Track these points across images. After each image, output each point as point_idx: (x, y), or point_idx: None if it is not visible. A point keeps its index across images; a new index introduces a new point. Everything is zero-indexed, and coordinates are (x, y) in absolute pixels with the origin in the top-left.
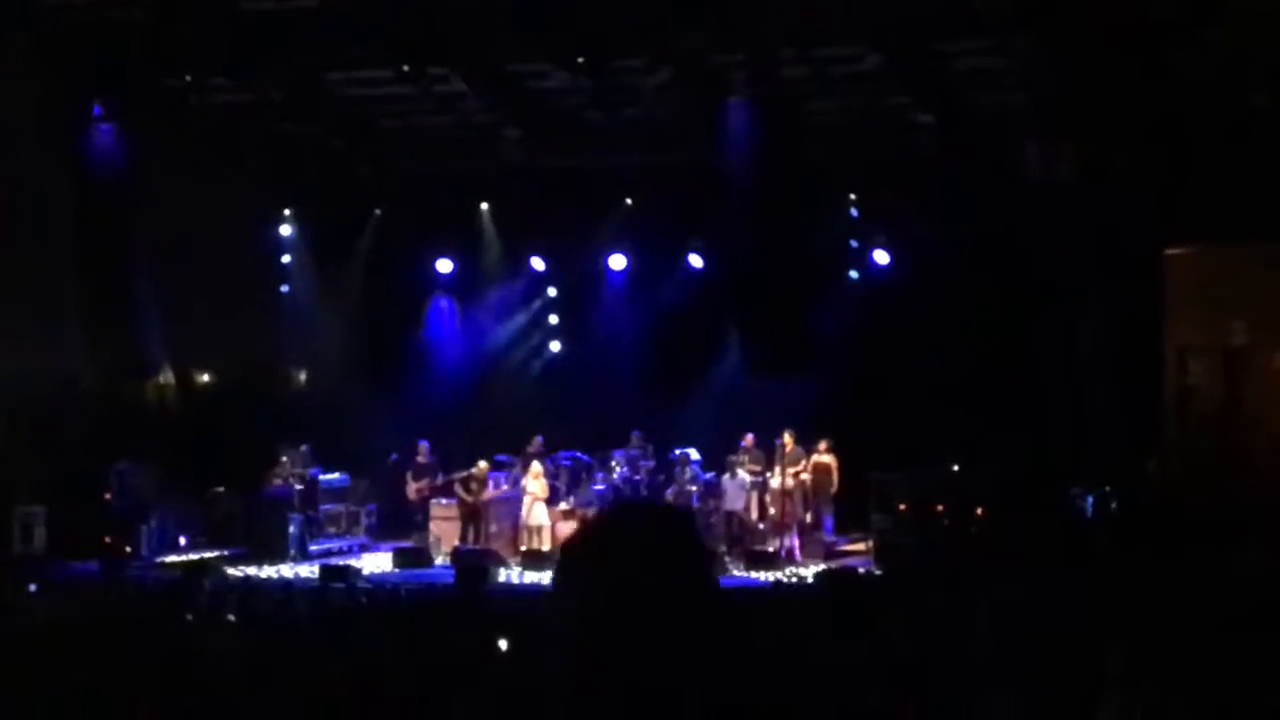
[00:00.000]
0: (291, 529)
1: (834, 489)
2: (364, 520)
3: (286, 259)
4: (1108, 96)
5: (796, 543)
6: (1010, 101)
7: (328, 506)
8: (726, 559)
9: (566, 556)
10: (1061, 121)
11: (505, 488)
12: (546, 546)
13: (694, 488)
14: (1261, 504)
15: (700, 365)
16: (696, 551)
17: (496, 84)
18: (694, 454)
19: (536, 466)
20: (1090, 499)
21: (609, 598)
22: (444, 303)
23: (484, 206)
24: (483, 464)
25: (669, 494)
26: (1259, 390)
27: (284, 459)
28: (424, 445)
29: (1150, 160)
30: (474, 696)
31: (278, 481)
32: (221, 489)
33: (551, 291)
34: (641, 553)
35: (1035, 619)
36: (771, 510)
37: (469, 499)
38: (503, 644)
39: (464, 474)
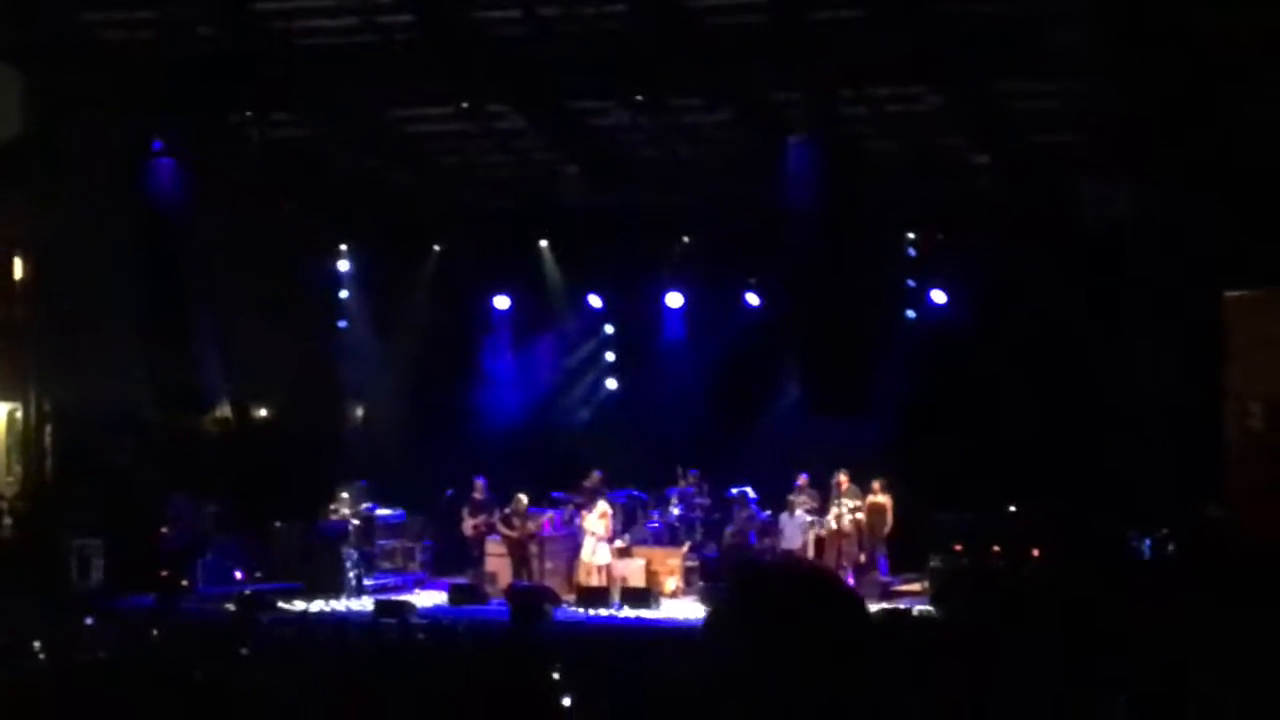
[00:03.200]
0: (347, 564)
1: (888, 529)
2: (419, 556)
3: (344, 294)
4: (1166, 136)
5: (852, 583)
6: (1067, 141)
7: (384, 542)
8: None
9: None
10: (1118, 161)
11: (560, 523)
12: (604, 584)
13: (752, 526)
14: None
15: (756, 404)
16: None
17: (556, 121)
18: (750, 492)
19: (603, 506)
20: (1148, 542)
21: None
22: (502, 339)
23: (543, 243)
24: (522, 497)
25: (728, 531)
26: None
27: (341, 494)
28: (480, 482)
29: (1209, 202)
30: None
31: (334, 517)
32: (278, 524)
33: (609, 329)
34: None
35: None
36: (827, 550)
37: (512, 534)
38: (559, 683)
39: (505, 510)
